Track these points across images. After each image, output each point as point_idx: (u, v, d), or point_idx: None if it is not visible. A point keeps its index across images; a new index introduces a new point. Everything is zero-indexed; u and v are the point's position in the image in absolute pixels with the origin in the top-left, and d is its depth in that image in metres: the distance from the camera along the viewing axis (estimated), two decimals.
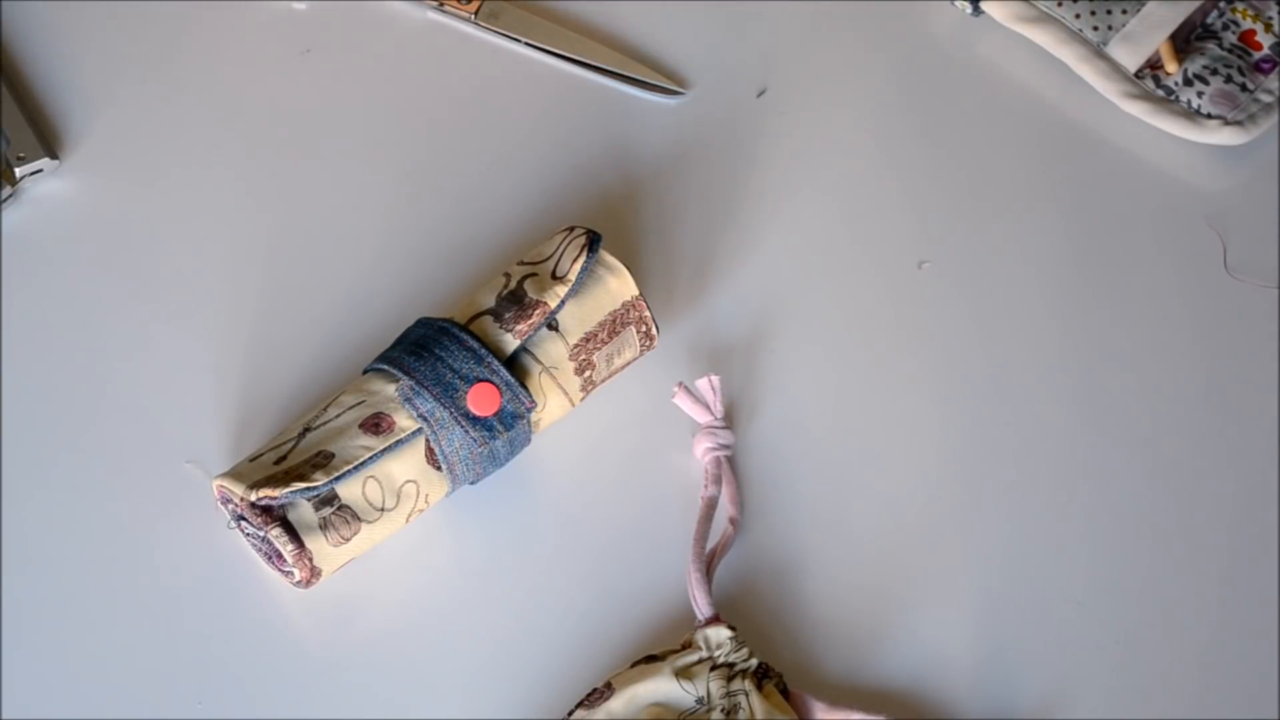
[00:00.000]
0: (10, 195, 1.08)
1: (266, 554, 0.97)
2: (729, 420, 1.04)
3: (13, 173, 1.07)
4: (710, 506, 1.00)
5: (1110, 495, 1.03)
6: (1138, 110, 1.13)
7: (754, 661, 0.95)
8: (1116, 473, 1.04)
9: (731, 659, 0.95)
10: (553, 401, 1.00)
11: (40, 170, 1.08)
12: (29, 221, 1.08)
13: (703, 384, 1.02)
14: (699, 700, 0.94)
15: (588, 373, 1.01)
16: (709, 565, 0.98)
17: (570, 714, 0.95)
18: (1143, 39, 1.13)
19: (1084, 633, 1.00)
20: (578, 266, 1.00)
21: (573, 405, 1.01)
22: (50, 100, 1.11)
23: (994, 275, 1.09)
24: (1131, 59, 1.13)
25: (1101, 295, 1.09)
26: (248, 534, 0.97)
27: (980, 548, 1.02)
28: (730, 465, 1.02)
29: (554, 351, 1.00)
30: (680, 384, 1.02)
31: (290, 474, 0.95)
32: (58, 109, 1.11)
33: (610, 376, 1.03)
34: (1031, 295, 1.09)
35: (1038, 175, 1.12)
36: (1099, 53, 1.13)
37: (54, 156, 1.08)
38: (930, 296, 1.09)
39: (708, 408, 1.02)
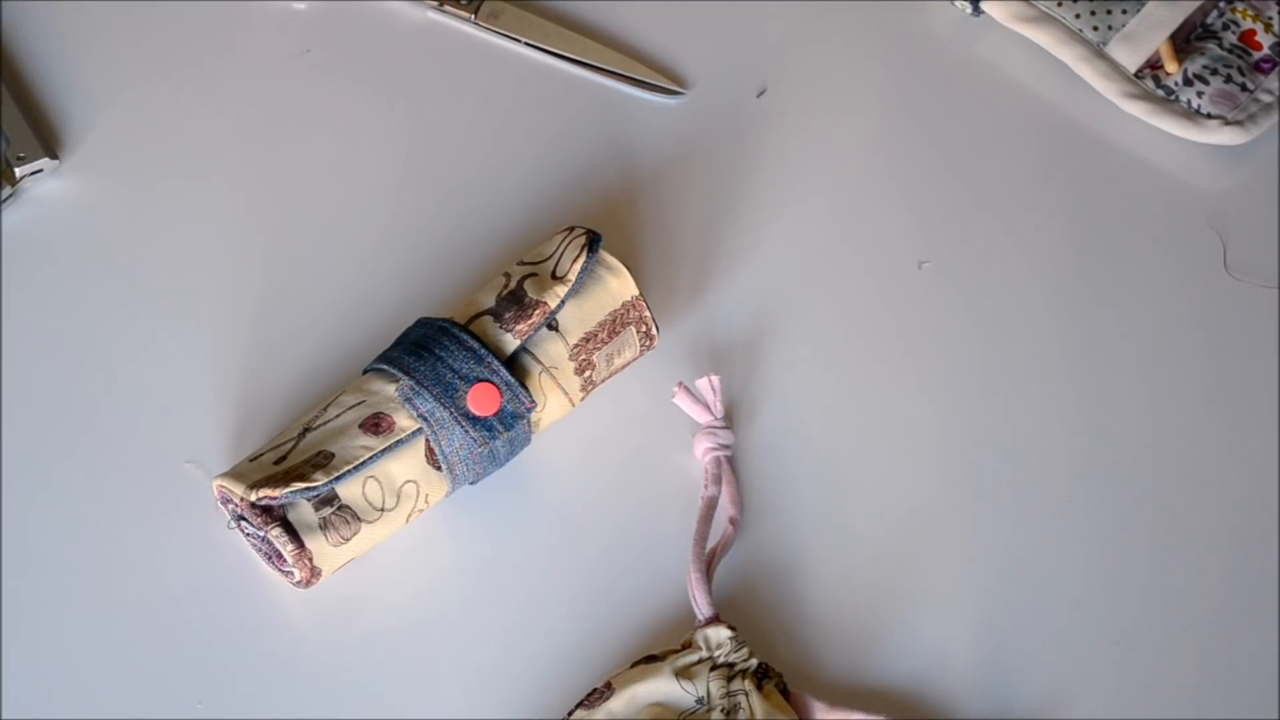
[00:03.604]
0: (10, 195, 1.08)
1: (266, 554, 0.97)
2: (729, 420, 1.04)
3: (13, 173, 1.08)
4: (710, 506, 1.00)
5: (1110, 495, 1.03)
6: (1138, 110, 1.13)
7: (754, 661, 0.95)
8: (1116, 472, 1.04)
9: (731, 659, 0.95)
10: (553, 401, 1.00)
11: (40, 170, 1.08)
12: (29, 221, 1.08)
13: (703, 384, 1.02)
14: (699, 700, 0.94)
15: (588, 373, 1.01)
16: (709, 565, 0.98)
17: (570, 714, 0.95)
18: (1143, 39, 1.13)
19: (1084, 633, 1.00)
20: (578, 266, 1.00)
21: (573, 405, 1.01)
22: (50, 100, 1.11)
23: (994, 275, 1.09)
24: (1131, 59, 1.13)
25: (1101, 295, 1.09)
26: (248, 534, 0.97)
27: (980, 547, 1.01)
28: (730, 465, 1.02)
29: (554, 351, 1.00)
30: (680, 384, 1.02)
31: (290, 474, 0.95)
32: (58, 109, 1.11)
33: (610, 376, 1.03)
34: (1031, 295, 1.09)
35: (1038, 175, 1.12)
36: (1099, 53, 1.13)
37: (54, 156, 1.08)
38: (930, 296, 1.09)
39: (708, 408, 1.02)
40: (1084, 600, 1.00)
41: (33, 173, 1.08)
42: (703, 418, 1.02)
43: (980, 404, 1.05)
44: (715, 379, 1.02)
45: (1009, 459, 1.04)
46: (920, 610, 1.00)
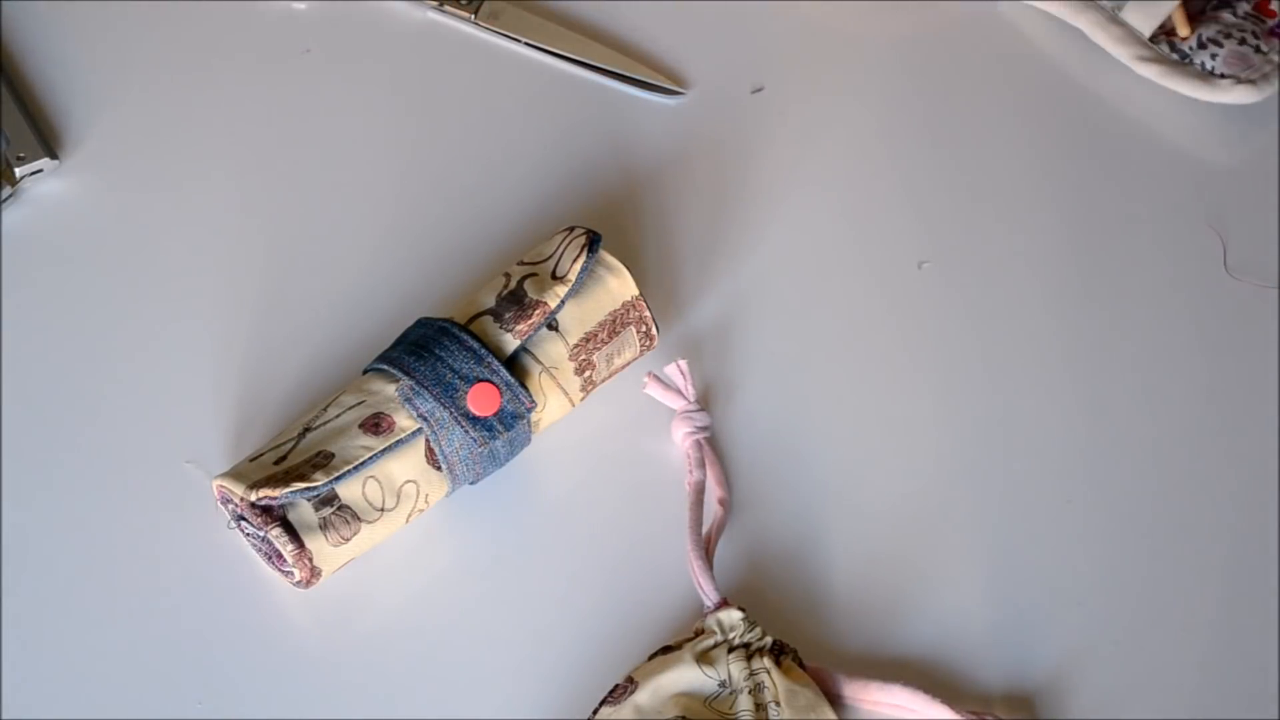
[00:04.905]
0: (10, 195, 1.08)
1: (266, 554, 0.97)
2: (705, 403, 1.04)
3: (13, 173, 1.08)
4: (698, 491, 1.00)
5: (1109, 495, 1.03)
6: (1151, 73, 1.14)
7: (769, 639, 0.95)
8: (1116, 473, 1.04)
9: (747, 639, 0.95)
10: (553, 401, 1.00)
11: (40, 170, 1.08)
12: (29, 221, 1.08)
13: (671, 369, 1.02)
14: (721, 684, 0.94)
15: (588, 373, 1.01)
16: (708, 549, 0.98)
17: (595, 712, 0.94)
18: (1156, 4, 1.13)
19: (1084, 633, 0.99)
20: (578, 266, 1.00)
21: (573, 405, 1.01)
22: (50, 100, 1.11)
23: (995, 273, 1.09)
24: (1146, 23, 1.13)
25: (1102, 295, 1.09)
26: (248, 534, 0.97)
27: (977, 548, 1.01)
28: (711, 446, 1.02)
29: (554, 351, 1.00)
30: (650, 374, 1.02)
31: (290, 474, 0.95)
32: (58, 109, 1.11)
33: (610, 376, 1.03)
34: (1031, 294, 1.09)
35: (1037, 174, 1.12)
36: (1113, 18, 1.14)
37: (54, 156, 1.08)
38: (930, 293, 1.09)
39: (679, 393, 1.02)
40: (1084, 600, 1.00)
41: (33, 173, 1.08)
42: (676, 403, 1.02)
43: (980, 401, 1.05)
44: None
45: (1008, 458, 1.04)
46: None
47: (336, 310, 1.06)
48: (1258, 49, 1.13)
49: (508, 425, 0.98)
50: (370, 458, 0.96)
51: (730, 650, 0.95)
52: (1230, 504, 1.03)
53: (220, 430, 1.02)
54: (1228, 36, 1.13)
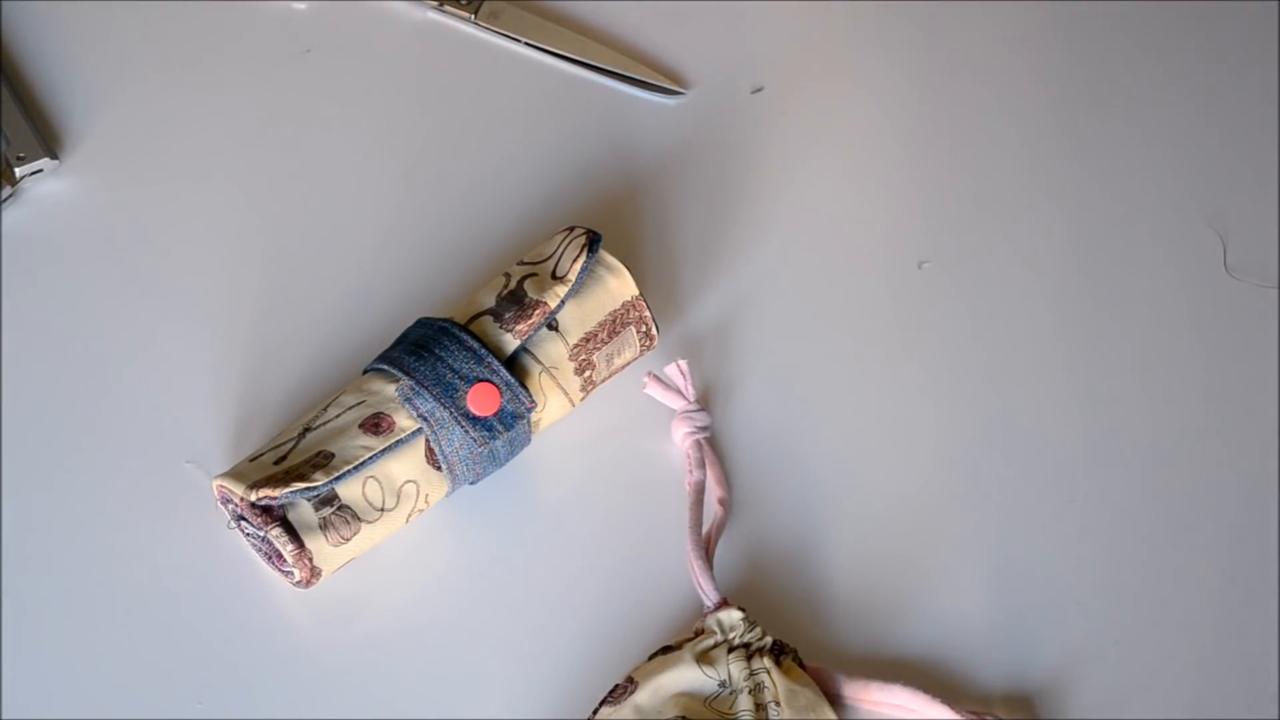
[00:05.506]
0: (10, 195, 1.08)
1: (266, 554, 0.97)
2: (705, 403, 1.04)
3: (13, 173, 1.08)
4: (698, 491, 1.00)
5: (1110, 495, 1.03)
6: None
7: (769, 639, 0.95)
8: (1116, 473, 1.04)
9: (747, 639, 0.95)
10: (553, 401, 1.00)
11: (40, 170, 1.08)
12: (29, 221, 1.08)
13: (671, 370, 1.02)
14: (721, 684, 0.94)
15: (588, 373, 1.01)
16: (708, 549, 0.98)
17: (595, 712, 0.94)
18: None
19: (1084, 633, 0.99)
20: (578, 266, 1.00)
21: (573, 405, 1.01)
22: (50, 100, 1.11)
23: (995, 274, 1.09)
24: None
25: (1102, 295, 1.09)
26: (248, 534, 0.97)
27: (977, 548, 1.01)
28: (711, 446, 1.02)
29: (554, 351, 1.00)
30: (650, 374, 1.02)
31: (290, 474, 0.95)
32: (58, 109, 1.11)
33: (610, 376, 1.03)
34: (1032, 294, 1.09)
35: (1038, 173, 1.12)
36: None
37: (54, 156, 1.08)
38: (930, 294, 1.09)
39: (679, 393, 1.02)
40: (1084, 600, 1.00)
41: (33, 173, 1.08)
42: (676, 403, 1.02)
43: (979, 402, 1.05)
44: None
45: (1008, 458, 1.04)
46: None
47: (336, 310, 1.06)
48: None
49: (508, 425, 0.98)
50: (370, 458, 0.96)
51: (730, 650, 0.95)
52: (1230, 504, 1.03)
53: (220, 430, 1.02)
54: None
